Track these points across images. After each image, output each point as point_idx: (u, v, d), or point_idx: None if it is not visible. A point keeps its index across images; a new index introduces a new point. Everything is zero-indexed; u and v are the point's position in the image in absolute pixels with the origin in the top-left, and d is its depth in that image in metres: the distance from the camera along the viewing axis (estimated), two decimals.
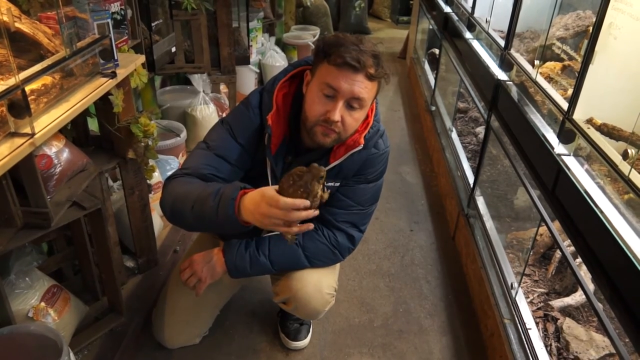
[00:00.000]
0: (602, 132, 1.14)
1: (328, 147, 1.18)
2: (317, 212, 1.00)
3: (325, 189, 1.08)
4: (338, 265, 1.44)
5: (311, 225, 1.04)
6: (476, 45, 2.21)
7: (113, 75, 1.29)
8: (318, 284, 1.33)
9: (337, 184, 1.26)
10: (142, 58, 1.49)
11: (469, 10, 2.45)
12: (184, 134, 2.35)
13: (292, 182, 0.99)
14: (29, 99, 1.06)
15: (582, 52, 1.44)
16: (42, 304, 1.38)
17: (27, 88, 1.05)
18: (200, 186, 1.13)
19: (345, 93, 1.09)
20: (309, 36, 4.44)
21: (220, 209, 1.05)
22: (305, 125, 1.16)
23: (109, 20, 1.27)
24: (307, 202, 0.96)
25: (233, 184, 1.10)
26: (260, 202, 1.00)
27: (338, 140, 1.17)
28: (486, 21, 2.15)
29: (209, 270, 1.29)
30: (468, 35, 2.37)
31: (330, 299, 1.38)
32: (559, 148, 1.24)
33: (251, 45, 3.19)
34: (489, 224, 1.87)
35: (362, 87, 1.09)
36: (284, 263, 1.31)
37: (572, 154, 1.22)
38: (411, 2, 5.78)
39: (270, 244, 1.29)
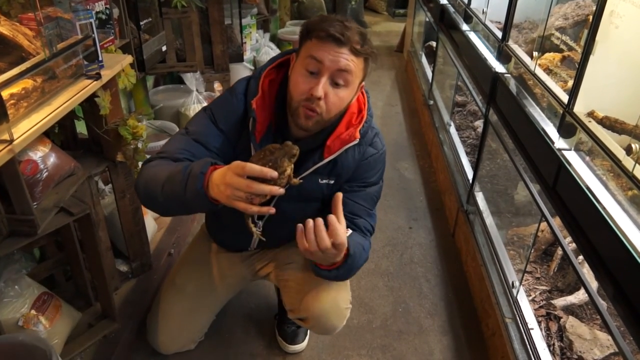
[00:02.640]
0: (604, 126, 1.11)
1: (311, 130, 1.11)
2: (282, 191, 0.93)
3: (299, 179, 1.03)
4: None
5: (272, 209, 0.96)
6: (473, 37, 2.16)
7: (97, 76, 1.26)
8: (335, 300, 1.29)
9: (332, 182, 1.20)
10: (129, 58, 1.45)
11: (465, 1, 2.40)
12: None
13: (262, 156, 0.95)
14: (9, 103, 1.02)
15: (583, 43, 1.40)
16: (33, 312, 1.35)
17: (7, 92, 1.02)
18: (172, 165, 1.07)
19: (329, 66, 1.03)
20: None
21: (189, 184, 0.98)
22: (290, 107, 1.11)
23: (92, 20, 1.23)
24: (274, 173, 0.91)
25: (204, 159, 1.03)
26: (226, 171, 0.93)
27: (320, 123, 1.10)
28: (483, 12, 2.11)
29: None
30: (465, 27, 2.33)
31: (347, 313, 1.34)
32: (559, 142, 1.20)
33: (245, 42, 3.14)
34: (489, 220, 1.84)
35: (349, 59, 1.04)
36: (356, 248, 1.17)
37: (573, 148, 1.18)
38: None
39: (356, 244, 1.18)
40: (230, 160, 1.12)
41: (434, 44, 3.41)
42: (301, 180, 1.05)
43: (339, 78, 1.05)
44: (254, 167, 0.90)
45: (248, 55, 3.35)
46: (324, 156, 1.15)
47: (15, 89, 1.04)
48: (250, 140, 1.14)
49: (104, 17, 1.48)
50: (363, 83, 1.15)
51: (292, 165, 0.96)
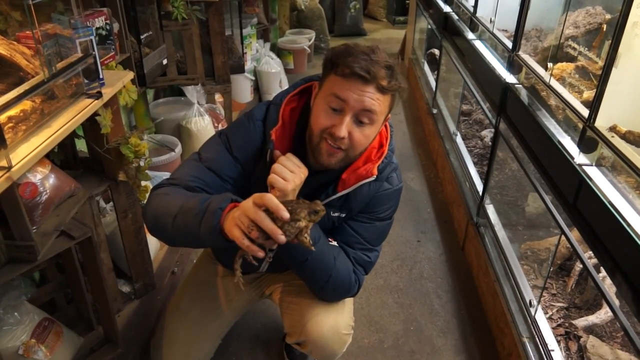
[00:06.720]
0: (627, 140, 1.06)
1: (334, 168, 1.07)
2: (283, 239, 0.87)
3: (310, 240, 0.93)
4: (352, 299, 1.34)
5: (262, 253, 0.89)
6: (480, 46, 2.12)
7: (99, 95, 1.21)
8: (335, 326, 1.23)
9: (343, 215, 1.16)
10: (130, 75, 1.41)
11: (471, 9, 2.37)
12: (178, 149, 2.26)
13: (285, 202, 0.89)
14: (7, 127, 0.98)
15: (600, 53, 1.36)
16: (33, 340, 1.30)
17: (4, 115, 0.97)
18: (186, 196, 1.02)
19: (354, 106, 0.99)
20: (305, 40, 4.36)
21: (205, 219, 0.92)
22: (311, 142, 1.06)
23: (92, 37, 1.18)
24: (286, 214, 0.86)
25: (223, 194, 0.97)
26: (244, 202, 0.89)
27: (345, 160, 1.06)
28: (490, 21, 2.07)
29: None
30: (470, 35, 2.29)
31: (348, 339, 1.29)
32: (579, 158, 1.15)
33: (245, 53, 3.10)
34: (501, 233, 1.79)
35: (374, 99, 0.99)
36: (320, 259, 1.11)
37: (594, 163, 1.13)
38: (407, 1, 5.70)
39: (322, 237, 1.13)
40: (244, 190, 1.07)
41: (436, 51, 3.38)
42: (313, 247, 0.95)
43: (363, 117, 1.00)
44: (272, 199, 0.86)
45: (249, 65, 3.31)
46: (337, 190, 1.10)
47: (13, 111, 1.00)
48: (267, 170, 1.08)
49: (104, 32, 1.44)
50: (390, 115, 1.10)
51: (310, 225, 0.90)
